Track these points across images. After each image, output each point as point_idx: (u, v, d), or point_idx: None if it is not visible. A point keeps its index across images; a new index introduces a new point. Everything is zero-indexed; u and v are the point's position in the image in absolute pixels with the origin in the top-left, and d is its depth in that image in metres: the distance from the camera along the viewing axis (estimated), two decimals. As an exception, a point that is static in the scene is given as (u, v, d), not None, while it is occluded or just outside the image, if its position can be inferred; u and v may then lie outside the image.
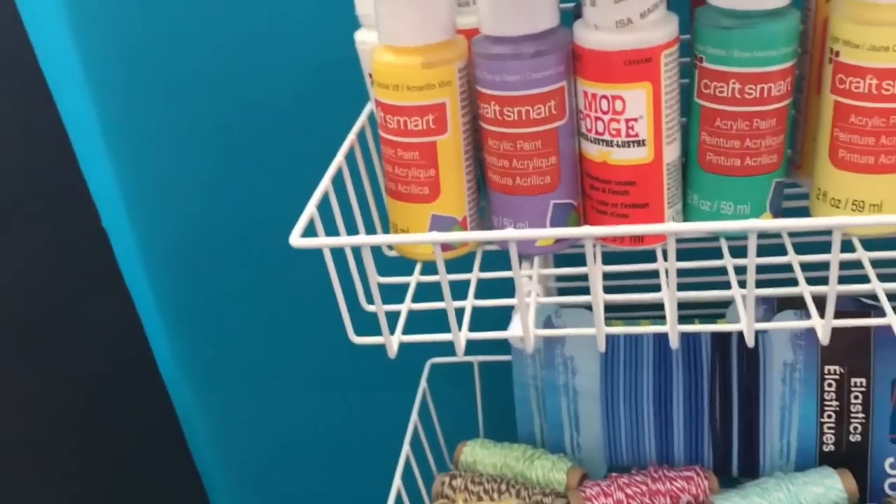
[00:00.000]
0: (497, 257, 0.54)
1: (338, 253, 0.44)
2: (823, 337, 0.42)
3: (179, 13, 0.74)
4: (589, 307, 0.64)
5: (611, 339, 0.66)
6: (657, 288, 0.47)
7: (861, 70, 0.46)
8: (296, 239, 0.41)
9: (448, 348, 0.49)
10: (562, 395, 0.68)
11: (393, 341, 0.45)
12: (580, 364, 0.67)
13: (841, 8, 0.46)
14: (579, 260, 0.51)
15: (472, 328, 0.49)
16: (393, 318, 0.48)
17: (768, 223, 0.39)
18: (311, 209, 0.44)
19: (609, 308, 0.74)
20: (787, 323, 0.44)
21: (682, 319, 0.69)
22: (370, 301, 0.47)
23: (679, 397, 0.66)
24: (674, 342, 0.43)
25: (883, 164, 0.47)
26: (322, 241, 0.41)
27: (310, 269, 0.74)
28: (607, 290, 0.49)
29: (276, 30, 0.73)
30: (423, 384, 0.72)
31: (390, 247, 0.56)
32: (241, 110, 0.77)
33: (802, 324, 0.43)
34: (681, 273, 0.57)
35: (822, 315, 0.55)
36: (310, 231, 0.44)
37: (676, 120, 0.50)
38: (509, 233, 0.41)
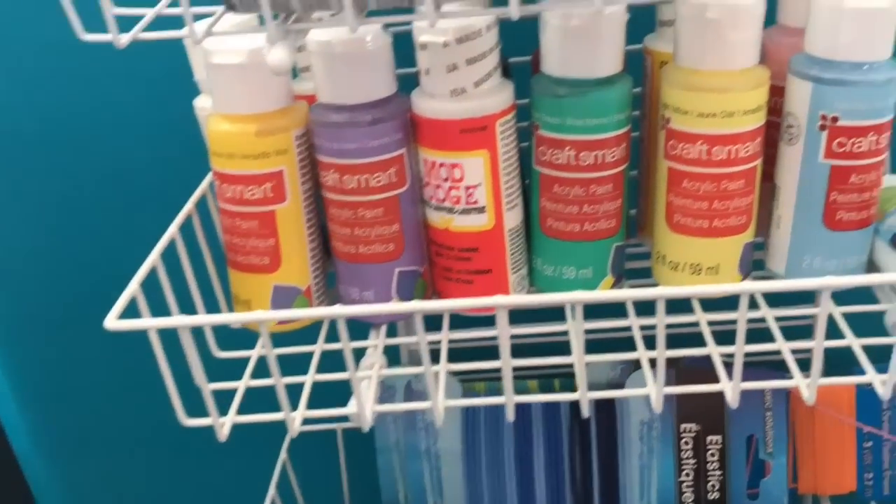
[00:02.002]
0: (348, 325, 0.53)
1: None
2: (656, 404, 0.42)
3: (7, 75, 0.71)
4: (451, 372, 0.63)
5: (471, 403, 0.66)
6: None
7: (691, 136, 0.46)
8: (111, 321, 0.40)
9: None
10: (424, 461, 0.67)
11: (224, 423, 0.44)
12: (441, 428, 0.66)
13: (670, 75, 0.47)
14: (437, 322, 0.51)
15: (328, 399, 0.48)
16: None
17: (589, 296, 0.39)
18: (133, 287, 0.42)
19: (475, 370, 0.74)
20: (619, 392, 0.44)
21: (544, 379, 0.69)
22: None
23: (540, 459, 0.65)
24: (509, 414, 0.42)
25: (717, 227, 0.48)
26: (137, 323, 0.39)
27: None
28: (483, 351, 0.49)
29: (115, 94, 0.70)
30: (282, 455, 0.70)
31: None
32: (81, 177, 0.74)
33: (633, 392, 0.43)
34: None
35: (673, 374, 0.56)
36: (134, 310, 0.42)
37: (516, 186, 0.50)
38: (336, 309, 0.40)
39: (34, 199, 0.76)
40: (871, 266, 0.51)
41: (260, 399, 0.50)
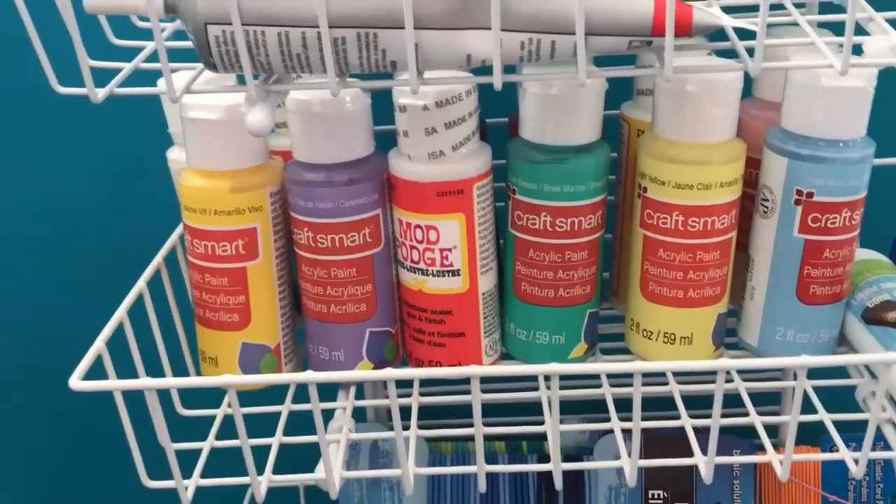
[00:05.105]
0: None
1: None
2: (630, 478, 0.41)
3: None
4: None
5: (438, 463, 0.65)
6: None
7: (667, 206, 0.46)
8: (76, 382, 0.38)
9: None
10: (388, 522, 0.65)
11: (188, 485, 0.42)
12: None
13: (647, 145, 0.47)
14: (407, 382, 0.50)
15: (292, 457, 0.46)
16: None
17: (566, 368, 0.38)
18: (98, 345, 0.41)
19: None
20: (593, 464, 0.44)
21: (511, 441, 0.68)
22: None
23: (506, 523, 0.64)
24: (481, 485, 0.41)
25: (691, 298, 0.48)
26: (102, 384, 0.38)
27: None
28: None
29: (86, 143, 0.69)
30: (242, 513, 0.68)
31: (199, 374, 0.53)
32: (48, 228, 0.72)
33: (607, 464, 0.43)
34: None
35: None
36: (100, 369, 0.41)
37: (492, 249, 0.49)
38: (307, 375, 0.39)
39: (4, 253, 0.74)
40: (843, 340, 0.51)
41: (222, 456, 0.49)
